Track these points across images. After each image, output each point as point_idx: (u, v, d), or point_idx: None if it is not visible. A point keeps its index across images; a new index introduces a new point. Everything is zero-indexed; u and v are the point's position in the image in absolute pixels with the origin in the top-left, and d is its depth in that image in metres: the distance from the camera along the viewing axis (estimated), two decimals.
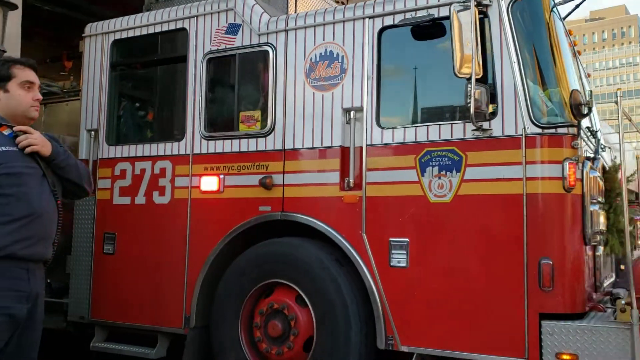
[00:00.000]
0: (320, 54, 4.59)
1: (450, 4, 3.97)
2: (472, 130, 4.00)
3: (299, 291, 4.36)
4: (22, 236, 2.86)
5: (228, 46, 4.92)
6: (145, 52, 5.55)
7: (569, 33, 4.84)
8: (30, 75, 3.13)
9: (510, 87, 3.96)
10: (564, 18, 4.65)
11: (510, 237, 3.88)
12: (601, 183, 4.27)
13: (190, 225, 4.91)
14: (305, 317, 4.34)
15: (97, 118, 5.42)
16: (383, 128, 4.33)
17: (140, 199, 5.16)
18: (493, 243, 3.94)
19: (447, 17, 3.96)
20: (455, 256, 4.04)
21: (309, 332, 4.34)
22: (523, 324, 3.79)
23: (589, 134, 4.50)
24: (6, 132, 3.00)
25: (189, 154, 4.97)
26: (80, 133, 5.46)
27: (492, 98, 3.99)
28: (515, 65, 3.96)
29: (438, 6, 4.21)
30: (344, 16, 4.54)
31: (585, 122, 4.67)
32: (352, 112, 4.40)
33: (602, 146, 5.16)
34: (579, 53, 5.34)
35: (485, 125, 3.98)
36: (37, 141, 3.00)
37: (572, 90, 3.86)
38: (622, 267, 4.42)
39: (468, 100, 3.82)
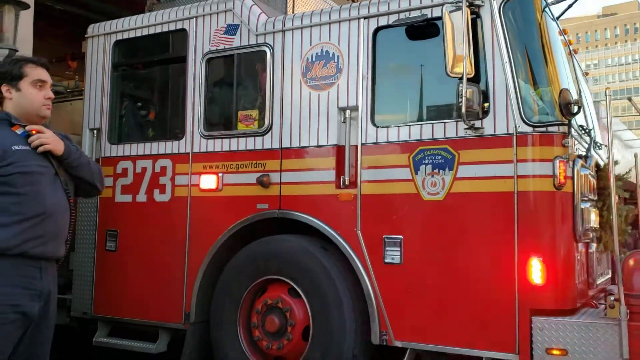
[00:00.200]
0: (317, 53, 4.65)
1: (442, 4, 4.02)
2: (465, 129, 4.05)
3: (291, 283, 4.44)
4: (35, 235, 2.88)
5: (227, 46, 5.00)
6: (147, 53, 5.65)
7: (563, 32, 4.87)
8: (42, 74, 3.13)
9: (502, 86, 4.01)
10: (558, 18, 4.69)
11: (502, 234, 3.93)
12: (593, 181, 4.31)
13: (190, 223, 5.00)
14: (299, 307, 4.42)
15: (99, 117, 5.52)
16: (378, 127, 4.39)
17: (141, 197, 5.25)
18: (485, 240, 4.00)
19: (440, 18, 4.01)
20: (447, 253, 4.10)
21: (305, 322, 4.41)
22: (514, 320, 3.84)
23: (582, 132, 4.53)
24: (19, 131, 3.00)
25: (189, 153, 5.06)
26: (83, 132, 5.56)
27: (485, 97, 4.05)
28: (507, 65, 4.01)
29: (431, 6, 4.26)
30: (339, 16, 4.60)
31: (580, 120, 4.73)
32: (348, 111, 4.46)
33: (599, 144, 5.20)
34: (575, 52, 5.37)
35: (477, 124, 4.03)
36: (49, 140, 3.01)
37: (562, 90, 3.90)
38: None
39: (460, 100, 3.88)
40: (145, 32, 5.41)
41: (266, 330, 4.53)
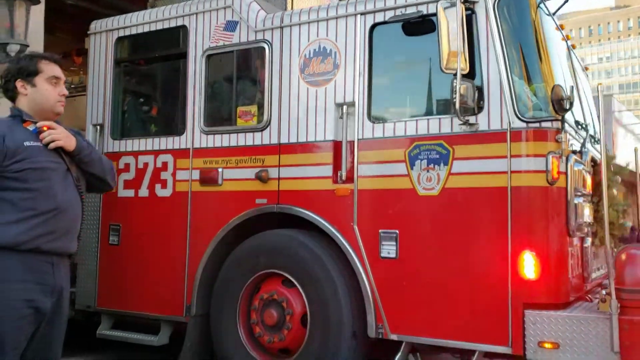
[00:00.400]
0: (314, 50, 4.70)
1: (437, 0, 4.04)
2: (459, 124, 4.08)
3: (283, 274, 4.52)
4: (47, 230, 2.89)
5: (226, 43, 5.05)
6: (148, 49, 5.72)
7: (560, 28, 4.89)
8: (56, 70, 3.10)
9: (496, 82, 4.04)
10: (554, 13, 4.70)
11: (495, 229, 3.97)
12: (587, 176, 4.33)
13: (191, 217, 5.07)
14: (295, 296, 4.50)
15: (102, 113, 5.59)
16: (374, 122, 4.43)
17: (143, 192, 5.33)
18: (479, 235, 4.04)
19: (436, 14, 4.03)
20: (442, 247, 4.14)
21: (302, 309, 4.48)
22: (507, 314, 3.89)
23: (578, 127, 4.56)
24: (30, 127, 2.99)
25: (189, 148, 5.13)
26: (86, 128, 5.64)
27: (479, 93, 4.08)
28: (501, 61, 4.04)
29: (427, 3, 4.28)
30: (336, 13, 4.64)
31: (577, 116, 4.75)
32: (345, 107, 4.51)
33: (598, 139, 5.22)
34: (574, 47, 5.37)
35: (472, 119, 4.06)
36: (60, 136, 3.00)
37: (554, 86, 3.93)
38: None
39: (454, 96, 3.91)
40: (146, 28, 5.47)
41: (266, 324, 4.59)
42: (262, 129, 4.83)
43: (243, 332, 4.74)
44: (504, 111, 4.01)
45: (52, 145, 2.97)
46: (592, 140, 5.01)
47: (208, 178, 5.00)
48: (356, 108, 4.48)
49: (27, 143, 2.92)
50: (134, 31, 5.54)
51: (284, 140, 4.74)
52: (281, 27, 4.84)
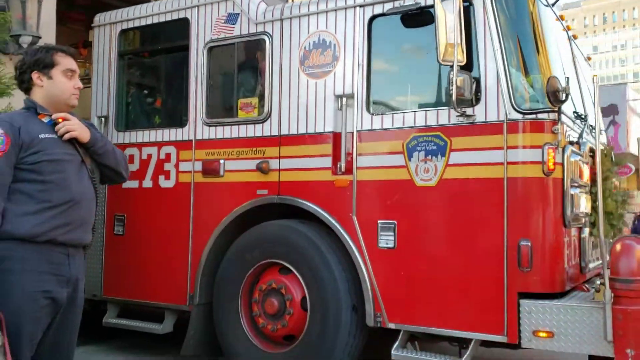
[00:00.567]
0: (314, 42, 4.74)
1: None
2: (457, 116, 4.11)
3: (279, 262, 4.61)
4: (62, 222, 2.91)
5: (227, 35, 5.10)
6: (151, 42, 5.79)
7: (560, 18, 4.89)
8: (72, 63, 3.11)
9: (493, 74, 4.07)
10: (553, 4, 4.70)
11: (492, 220, 4.01)
12: (585, 167, 4.35)
13: (194, 208, 5.14)
14: (292, 281, 4.59)
15: (106, 105, 5.67)
16: (373, 114, 4.47)
17: (147, 183, 5.40)
18: (475, 225, 4.08)
19: (433, 6, 4.05)
20: (439, 238, 4.20)
21: (301, 293, 4.56)
22: (502, 303, 3.94)
23: (576, 118, 4.57)
24: (45, 119, 3.00)
25: (192, 140, 5.19)
26: (90, 120, 5.71)
27: (477, 85, 4.10)
28: (498, 53, 4.06)
29: None
30: (336, 5, 4.67)
31: (579, 107, 4.76)
32: (344, 99, 4.55)
33: (600, 130, 5.22)
34: (575, 37, 5.37)
35: (469, 111, 4.09)
36: (75, 127, 3.01)
37: (549, 77, 3.94)
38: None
39: (451, 88, 3.94)
40: (149, 21, 5.53)
41: (268, 314, 4.67)
42: (262, 121, 4.88)
43: (247, 325, 4.81)
44: (500, 103, 4.03)
45: (66, 137, 2.99)
46: (593, 131, 5.00)
47: (210, 169, 5.07)
48: (355, 100, 4.52)
49: (42, 135, 2.93)
50: (137, 24, 5.60)
51: (284, 131, 4.79)
52: (281, 20, 4.87)
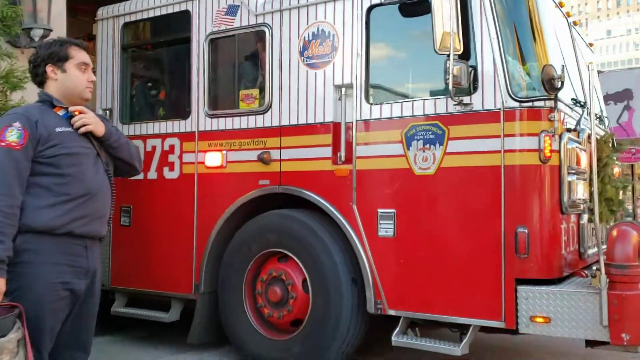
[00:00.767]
0: (313, 32, 4.77)
1: None
2: (454, 105, 4.14)
3: (280, 250, 4.68)
4: (80, 214, 2.95)
5: (228, 27, 5.15)
6: (154, 34, 5.84)
7: (560, 5, 4.89)
8: (85, 56, 3.14)
9: (490, 62, 4.09)
10: None
11: (489, 207, 4.05)
12: (582, 154, 4.37)
13: (197, 198, 5.21)
14: (292, 267, 4.68)
15: (110, 98, 5.74)
16: (371, 104, 4.51)
17: (152, 175, 5.48)
18: (473, 213, 4.12)
19: None
20: (438, 225, 4.24)
21: (302, 277, 4.65)
22: (500, 289, 3.98)
23: (575, 105, 4.58)
24: (61, 112, 3.03)
25: (195, 131, 5.26)
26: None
27: (474, 74, 4.12)
28: (495, 41, 4.07)
29: None
30: None
31: (580, 94, 4.77)
32: (343, 89, 4.59)
33: (600, 116, 5.23)
34: (576, 24, 5.36)
35: (466, 99, 4.12)
36: (91, 121, 3.05)
37: (544, 66, 3.95)
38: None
39: (447, 77, 3.97)
40: (151, 14, 5.58)
41: (272, 302, 4.75)
42: (263, 112, 4.93)
43: (252, 316, 4.89)
44: (497, 91, 4.06)
45: (82, 130, 3.02)
46: (595, 118, 5.01)
47: (213, 160, 5.13)
48: (354, 90, 4.56)
49: (58, 129, 2.97)
50: (139, 17, 5.66)
51: (284, 122, 4.85)
52: (280, 11, 4.91)
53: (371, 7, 4.55)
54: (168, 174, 5.41)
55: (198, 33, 5.29)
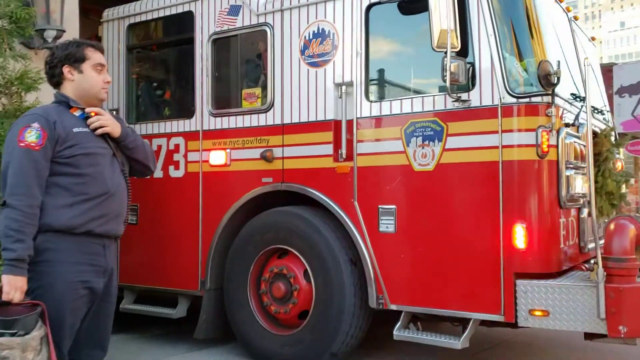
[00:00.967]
0: (314, 31, 4.83)
1: None
2: (452, 101, 4.19)
3: (285, 247, 4.75)
4: (98, 214, 2.98)
5: (230, 27, 5.22)
6: (157, 35, 5.93)
7: (558, 1, 4.91)
8: (101, 57, 3.18)
9: (487, 59, 4.13)
10: None
11: (488, 202, 4.09)
12: (579, 148, 4.39)
13: (202, 196, 5.30)
14: (293, 260, 4.77)
15: (116, 98, 5.84)
16: (371, 101, 4.57)
17: (158, 173, 5.54)
18: (472, 208, 4.17)
19: None
20: (438, 221, 4.28)
21: (302, 269, 4.73)
22: (499, 283, 4.03)
23: (574, 100, 4.61)
24: (77, 113, 3.06)
25: (199, 130, 5.34)
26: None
27: (472, 70, 4.16)
28: (492, 38, 4.11)
29: None
30: None
31: (571, 89, 4.78)
32: (343, 87, 4.64)
33: (600, 110, 5.25)
34: (576, 18, 5.38)
35: (464, 96, 4.17)
36: (108, 122, 3.08)
37: (540, 62, 3.99)
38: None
39: (445, 74, 4.01)
40: (155, 15, 5.67)
41: (278, 298, 4.81)
42: (266, 110, 5.00)
43: (258, 313, 4.96)
44: (495, 87, 4.10)
45: (99, 131, 3.06)
46: (596, 112, 5.04)
47: (217, 159, 5.21)
48: (354, 88, 4.61)
49: (76, 129, 3.00)
50: (143, 18, 5.75)
51: (287, 120, 4.91)
52: (282, 10, 4.97)
53: (370, 6, 4.60)
54: (174, 173, 5.49)
55: (201, 33, 5.36)
